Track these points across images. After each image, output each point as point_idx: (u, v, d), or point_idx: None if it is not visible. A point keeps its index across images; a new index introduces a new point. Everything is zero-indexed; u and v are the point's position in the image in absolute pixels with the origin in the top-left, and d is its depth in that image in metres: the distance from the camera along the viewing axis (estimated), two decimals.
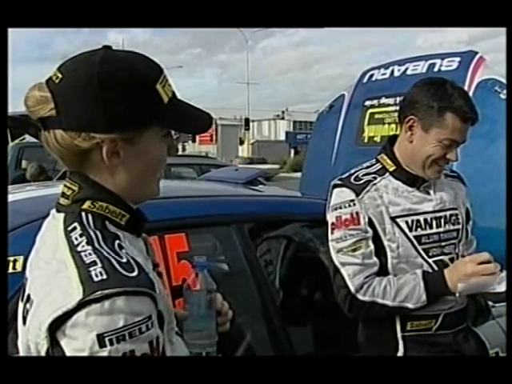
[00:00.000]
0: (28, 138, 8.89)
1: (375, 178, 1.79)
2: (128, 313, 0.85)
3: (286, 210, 2.27)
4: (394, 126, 3.44)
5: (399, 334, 1.77)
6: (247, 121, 39.06)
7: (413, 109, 1.75)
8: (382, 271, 1.75)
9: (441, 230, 1.80)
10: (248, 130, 40.59)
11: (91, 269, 0.86)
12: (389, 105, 3.58)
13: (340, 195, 1.78)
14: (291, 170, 29.97)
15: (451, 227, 1.83)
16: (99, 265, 0.87)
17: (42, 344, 0.87)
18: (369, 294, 1.71)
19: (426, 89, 1.75)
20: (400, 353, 1.76)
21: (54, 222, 0.98)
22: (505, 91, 3.10)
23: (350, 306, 1.74)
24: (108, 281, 0.85)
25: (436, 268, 1.77)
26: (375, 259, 1.74)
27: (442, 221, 1.81)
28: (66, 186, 1.00)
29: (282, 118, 62.23)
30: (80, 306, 0.83)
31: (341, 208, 1.75)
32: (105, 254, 0.89)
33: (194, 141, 50.12)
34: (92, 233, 0.93)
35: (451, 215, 1.84)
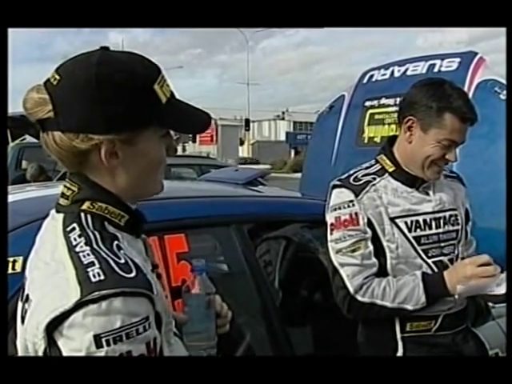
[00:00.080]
0: (28, 139, 8.89)
1: (374, 179, 1.79)
2: (125, 313, 0.85)
3: (286, 211, 2.27)
4: (394, 126, 3.44)
5: (398, 335, 1.76)
6: (247, 121, 39.07)
7: (412, 109, 1.75)
8: (381, 272, 1.74)
9: (440, 230, 1.80)
10: (248, 130, 40.61)
11: (89, 269, 0.87)
12: (389, 105, 3.58)
13: (339, 196, 1.77)
14: (291, 170, 29.99)
15: (450, 228, 1.83)
16: (97, 265, 0.87)
17: (39, 344, 0.87)
18: (368, 295, 1.71)
19: (424, 89, 1.75)
20: (399, 353, 1.76)
21: (54, 222, 0.98)
22: (505, 92, 3.10)
23: (348, 307, 1.74)
24: (105, 281, 0.85)
25: (435, 268, 1.77)
26: (374, 260, 1.74)
27: (442, 221, 1.81)
28: (65, 186, 1.00)
29: (283, 119, 62.24)
30: (77, 306, 0.84)
31: (340, 209, 1.75)
32: (103, 254, 0.89)
33: (194, 141, 50.09)
34: (91, 233, 0.93)
35: (450, 216, 1.84)
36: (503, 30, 1.69)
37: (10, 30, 1.24)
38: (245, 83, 47.41)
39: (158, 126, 0.99)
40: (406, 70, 3.59)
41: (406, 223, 1.76)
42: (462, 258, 1.85)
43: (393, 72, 3.68)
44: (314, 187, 2.94)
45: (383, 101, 3.65)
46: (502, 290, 1.69)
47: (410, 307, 1.71)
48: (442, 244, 1.80)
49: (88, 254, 0.89)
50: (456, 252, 1.84)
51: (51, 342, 0.86)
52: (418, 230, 1.77)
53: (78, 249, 0.90)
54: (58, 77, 0.94)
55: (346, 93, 3.97)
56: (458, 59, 3.40)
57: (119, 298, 0.85)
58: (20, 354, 0.96)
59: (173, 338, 1.05)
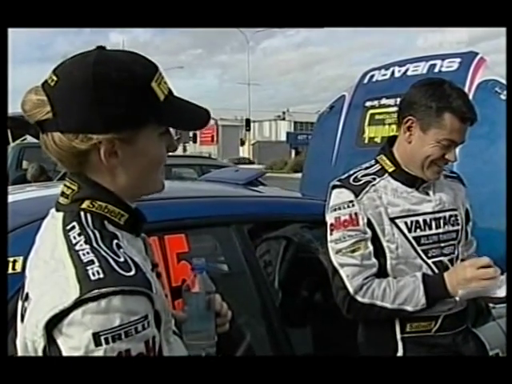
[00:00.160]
0: (29, 139, 8.88)
1: (374, 179, 1.79)
2: (124, 312, 0.85)
3: (286, 211, 2.27)
4: (394, 126, 3.44)
5: (398, 336, 1.76)
6: (248, 121, 39.10)
7: (411, 109, 1.75)
8: (381, 272, 1.74)
9: (440, 230, 1.80)
10: (249, 130, 40.65)
11: (88, 268, 0.87)
12: (389, 105, 3.58)
13: (339, 196, 1.77)
14: (292, 170, 30.00)
15: (450, 228, 1.83)
16: (96, 264, 0.87)
17: (38, 342, 0.88)
18: (368, 295, 1.71)
19: (424, 89, 1.75)
20: (399, 354, 1.76)
21: (53, 221, 0.98)
22: (505, 92, 3.10)
23: (348, 307, 1.74)
24: (105, 280, 0.85)
25: (435, 269, 1.77)
26: (374, 260, 1.74)
27: (442, 222, 1.81)
28: (65, 185, 1.01)
29: (283, 119, 62.27)
30: (76, 304, 0.84)
31: (340, 209, 1.75)
32: (102, 253, 0.90)
33: (194, 141, 50.11)
34: (90, 232, 0.93)
35: (451, 216, 1.84)
36: (503, 30, 1.69)
37: (10, 30, 1.24)
38: (245, 83, 47.51)
39: (157, 123, 0.99)
40: (407, 70, 3.59)
41: (405, 223, 1.76)
42: (463, 260, 1.85)
43: (393, 72, 3.68)
44: (314, 187, 2.94)
45: (384, 101, 3.65)
46: (502, 292, 1.69)
47: (410, 308, 1.71)
48: (442, 244, 1.80)
49: (88, 253, 0.89)
50: (456, 252, 1.84)
51: (50, 340, 0.86)
52: (418, 230, 1.77)
53: (77, 247, 0.90)
54: (55, 78, 0.95)
55: (347, 93, 3.97)
56: (458, 59, 3.40)
57: (118, 297, 0.85)
58: (19, 352, 0.96)
59: (172, 336, 1.05)
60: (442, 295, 1.72)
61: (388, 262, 1.75)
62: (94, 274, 0.86)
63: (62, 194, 1.01)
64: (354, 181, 1.78)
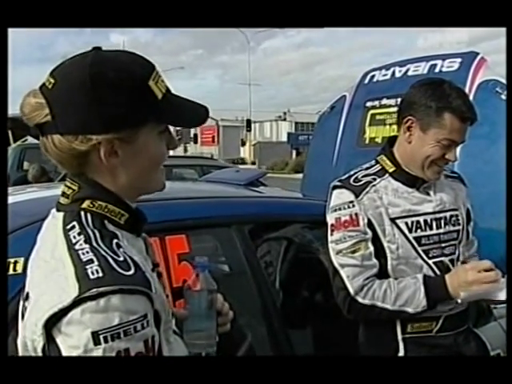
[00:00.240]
0: (30, 140, 8.88)
1: (375, 180, 1.79)
2: (123, 311, 0.85)
3: (287, 212, 2.27)
4: (395, 127, 3.41)
5: (400, 336, 1.76)
6: (249, 122, 39.10)
7: (411, 109, 1.75)
8: (382, 273, 1.74)
9: (441, 231, 1.80)
10: (250, 131, 40.65)
11: (88, 267, 0.87)
12: (390, 106, 3.57)
13: (339, 196, 1.77)
14: (293, 171, 30.00)
15: (451, 228, 1.82)
16: (96, 263, 0.88)
17: (38, 341, 0.88)
18: (369, 297, 1.70)
19: (423, 89, 1.75)
20: (400, 354, 1.76)
21: (54, 221, 0.99)
22: (506, 92, 3.10)
23: (349, 308, 1.74)
24: (104, 279, 0.86)
25: (436, 269, 1.77)
26: (375, 261, 1.74)
27: (442, 222, 1.81)
28: (66, 185, 1.01)
29: (284, 119, 62.25)
30: (75, 303, 0.84)
31: (340, 209, 1.75)
32: (102, 252, 0.90)
33: (195, 142, 50.12)
34: (90, 231, 0.94)
35: (451, 216, 1.83)
36: (504, 30, 1.69)
37: (10, 30, 1.25)
38: (246, 84, 47.53)
39: (156, 122, 0.99)
40: (407, 70, 3.59)
41: (406, 224, 1.75)
42: (463, 262, 1.85)
43: (394, 72, 3.67)
44: (315, 188, 2.93)
45: (384, 101, 3.65)
46: (503, 296, 1.69)
47: (410, 310, 1.71)
48: (443, 244, 1.80)
49: (87, 252, 0.90)
50: (457, 252, 1.83)
51: (50, 338, 0.87)
52: (419, 230, 1.77)
53: (77, 246, 0.91)
54: (52, 80, 0.95)
55: (348, 93, 3.96)
56: (459, 59, 3.39)
57: (117, 296, 0.85)
58: (20, 352, 0.96)
59: (172, 336, 1.06)
60: (443, 297, 1.72)
61: (389, 263, 1.75)
62: (93, 273, 0.86)
63: (63, 194, 1.01)
64: (354, 181, 1.78)
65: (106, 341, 0.84)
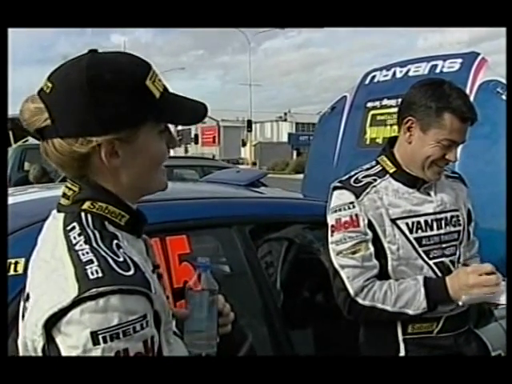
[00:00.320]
0: (31, 140, 8.87)
1: (375, 180, 1.78)
2: (122, 311, 0.86)
3: (288, 212, 2.27)
4: (395, 127, 3.39)
5: (400, 337, 1.76)
6: (250, 122, 39.09)
7: (411, 110, 1.75)
8: (383, 273, 1.74)
9: (441, 231, 1.80)
10: (250, 131, 40.63)
11: (87, 267, 0.87)
12: (391, 106, 3.56)
13: (340, 197, 1.77)
14: (293, 171, 30.01)
15: (452, 229, 1.82)
16: (95, 263, 0.88)
17: (38, 341, 0.88)
18: (369, 298, 1.70)
19: (423, 89, 1.75)
20: (401, 355, 1.76)
21: (55, 221, 0.99)
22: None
23: (349, 309, 1.74)
24: (103, 279, 0.86)
25: (437, 270, 1.77)
26: (375, 262, 1.73)
27: (443, 222, 1.80)
28: (67, 186, 1.02)
29: (285, 120, 62.30)
30: (75, 303, 0.84)
31: (340, 210, 1.75)
32: (102, 252, 0.90)
33: (196, 142, 50.17)
34: (90, 232, 0.94)
35: (452, 217, 1.83)
36: (504, 30, 1.69)
37: (10, 30, 1.25)
38: (247, 84, 47.51)
39: (155, 121, 1.00)
40: (408, 70, 3.58)
41: (407, 224, 1.75)
42: (465, 264, 1.84)
43: (395, 73, 3.67)
44: (315, 188, 2.93)
45: (385, 102, 3.64)
46: (503, 299, 1.69)
47: (410, 312, 1.71)
48: (444, 245, 1.80)
49: (87, 252, 0.90)
50: (458, 253, 1.83)
51: (49, 338, 0.87)
52: (420, 231, 1.76)
53: (77, 247, 0.91)
54: (50, 85, 0.96)
55: (348, 94, 3.96)
56: (459, 60, 3.38)
57: (117, 296, 0.86)
58: (20, 352, 0.96)
59: (172, 337, 1.06)
60: (444, 299, 1.71)
61: (389, 263, 1.74)
62: (92, 273, 0.87)
63: (64, 195, 1.01)
64: (354, 182, 1.78)
65: (105, 341, 0.84)
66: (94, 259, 0.89)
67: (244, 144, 45.47)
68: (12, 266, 1.36)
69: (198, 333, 1.17)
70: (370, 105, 3.74)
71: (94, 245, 0.92)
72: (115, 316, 0.85)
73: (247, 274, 1.91)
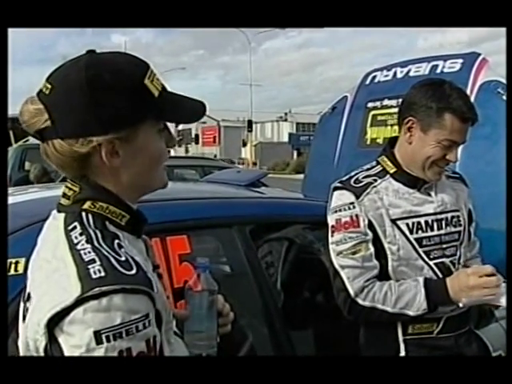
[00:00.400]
0: (31, 140, 8.84)
1: (376, 181, 1.78)
2: (125, 310, 0.86)
3: (288, 212, 2.27)
4: (396, 127, 3.38)
5: (400, 338, 1.76)
6: (250, 122, 39.07)
7: (411, 110, 1.75)
8: (383, 274, 1.74)
9: (442, 232, 1.79)
10: (251, 131, 40.61)
11: (90, 266, 0.88)
12: (391, 106, 3.56)
13: (340, 198, 1.77)
14: (294, 171, 30.03)
15: (453, 229, 1.82)
16: (98, 262, 0.88)
17: (40, 340, 0.88)
18: (369, 299, 1.70)
19: (424, 90, 1.75)
20: (401, 356, 1.76)
21: (55, 222, 0.99)
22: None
23: (349, 310, 1.73)
24: (106, 278, 0.86)
25: (437, 270, 1.77)
26: (375, 262, 1.73)
27: (444, 223, 1.80)
28: (67, 186, 1.02)
29: (285, 120, 62.33)
30: (78, 302, 0.85)
31: (340, 211, 1.75)
32: (104, 252, 0.90)
33: (197, 143, 50.18)
34: (92, 232, 0.94)
35: (453, 217, 1.83)
36: (504, 30, 1.69)
37: (10, 30, 1.25)
38: (247, 84, 47.47)
39: (154, 119, 1.00)
40: (409, 71, 3.58)
41: (407, 225, 1.75)
42: (465, 266, 1.84)
43: (395, 73, 3.67)
44: (316, 188, 2.93)
45: (386, 102, 3.64)
46: (503, 301, 1.68)
47: (411, 313, 1.71)
48: (444, 245, 1.80)
49: (89, 252, 0.90)
50: (458, 253, 1.83)
51: (52, 338, 0.87)
52: (420, 231, 1.76)
53: (79, 246, 0.91)
54: (49, 86, 0.96)
55: (349, 94, 3.95)
56: (460, 60, 3.38)
57: (119, 295, 0.86)
58: (21, 352, 0.96)
59: (173, 337, 1.06)
60: (444, 301, 1.71)
61: (389, 264, 1.74)
62: (95, 273, 0.87)
63: (64, 195, 1.02)
64: (355, 182, 1.78)
65: (108, 340, 0.85)
66: (97, 258, 0.89)
67: (244, 144, 45.46)
68: (12, 266, 1.36)
69: (198, 333, 1.18)
70: (370, 105, 3.74)
71: (96, 244, 0.92)
72: (118, 315, 0.85)
73: (248, 274, 1.91)
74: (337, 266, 1.74)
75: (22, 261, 1.34)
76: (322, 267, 2.09)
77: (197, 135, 50.29)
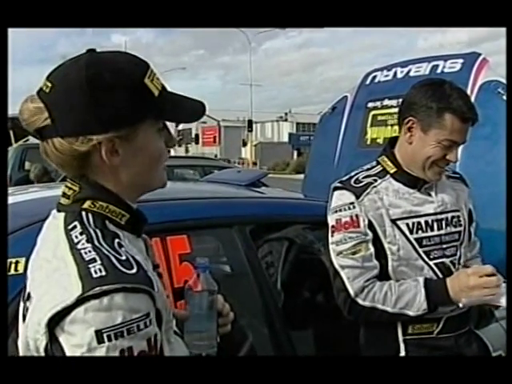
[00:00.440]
0: (31, 140, 8.85)
1: (376, 181, 1.78)
2: (126, 309, 0.86)
3: (288, 212, 2.27)
4: (396, 127, 3.38)
5: (400, 338, 1.76)
6: (250, 122, 39.08)
7: (411, 110, 1.75)
8: (383, 274, 1.74)
9: (442, 232, 1.79)
10: (251, 131, 40.61)
11: (90, 266, 0.88)
12: (392, 106, 3.56)
13: (340, 198, 1.77)
14: (294, 171, 30.03)
15: (453, 229, 1.82)
16: (98, 262, 0.88)
17: (40, 340, 0.88)
18: (369, 299, 1.70)
19: (424, 90, 1.75)
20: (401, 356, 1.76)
21: (55, 221, 0.99)
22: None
23: (349, 310, 1.73)
24: (107, 277, 0.86)
25: (437, 270, 1.77)
26: (375, 262, 1.73)
27: (444, 223, 1.80)
28: (66, 186, 1.02)
29: (285, 120, 62.31)
30: (79, 301, 0.85)
31: (341, 211, 1.75)
32: (104, 251, 0.90)
33: (197, 142, 50.18)
34: (92, 231, 0.94)
35: (453, 217, 1.83)
36: (504, 30, 1.69)
37: (10, 30, 1.25)
38: (248, 84, 47.45)
39: (154, 119, 1.00)
40: (409, 71, 3.58)
41: (407, 225, 1.75)
42: (465, 266, 1.84)
43: (395, 73, 3.66)
44: (316, 188, 2.93)
45: (386, 102, 3.63)
46: (503, 301, 1.68)
47: (411, 313, 1.71)
48: (444, 246, 1.80)
49: (89, 251, 0.90)
50: (458, 254, 1.83)
51: (52, 338, 0.87)
52: (420, 231, 1.76)
53: (79, 246, 0.91)
54: (49, 84, 0.96)
55: (349, 94, 3.95)
56: (461, 60, 3.38)
57: (120, 294, 0.86)
58: (21, 352, 0.96)
59: (173, 336, 1.06)
60: (444, 301, 1.71)
61: (389, 264, 1.74)
62: (95, 272, 0.87)
63: (64, 194, 1.02)
64: (355, 182, 1.78)
65: (109, 339, 0.85)
66: (97, 258, 0.89)
67: (245, 144, 45.46)
68: (13, 266, 1.36)
69: (198, 333, 1.18)
70: (370, 105, 3.74)
71: (96, 243, 0.92)
72: (119, 314, 0.85)
73: (248, 274, 1.91)
74: (337, 266, 1.74)
75: (22, 260, 1.34)
76: (322, 267, 2.09)
77: (197, 135, 50.31)
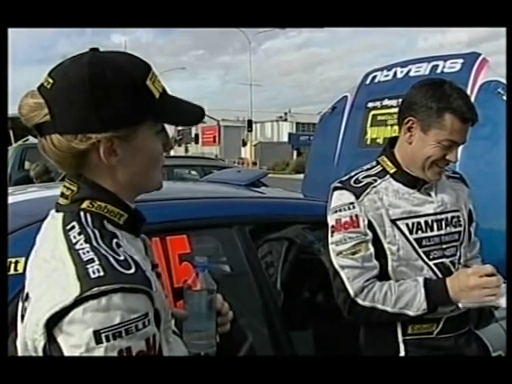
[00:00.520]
0: (31, 139, 8.89)
1: (375, 181, 1.78)
2: (125, 309, 0.86)
3: (288, 212, 2.27)
4: (396, 127, 3.38)
5: (400, 338, 1.76)
6: (250, 122, 39.06)
7: (411, 110, 1.75)
8: (383, 274, 1.74)
9: (442, 232, 1.79)
10: (251, 131, 40.60)
11: (89, 266, 0.88)
12: (391, 106, 3.56)
13: (340, 198, 1.77)
14: (294, 171, 30.03)
15: (453, 229, 1.82)
16: (97, 262, 0.88)
17: (38, 340, 0.88)
18: (369, 299, 1.70)
19: (424, 90, 1.75)
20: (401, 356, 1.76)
21: (53, 221, 0.99)
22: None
23: (349, 310, 1.73)
24: (105, 277, 0.86)
25: (437, 270, 1.77)
26: (375, 262, 1.73)
27: (444, 223, 1.80)
28: (65, 186, 1.02)
29: (285, 120, 62.29)
30: (77, 302, 0.85)
31: (340, 211, 1.75)
32: (102, 251, 0.90)
33: (196, 142, 50.18)
34: (90, 231, 0.94)
35: (453, 217, 1.83)
36: (504, 30, 1.69)
37: (10, 30, 1.25)
38: (247, 84, 47.43)
39: (154, 121, 1.01)
40: (409, 71, 3.58)
41: (407, 225, 1.75)
42: (466, 266, 1.84)
43: (395, 73, 3.66)
44: (316, 188, 2.93)
45: (386, 102, 3.64)
46: (503, 302, 1.68)
47: (411, 313, 1.70)
48: (444, 246, 1.79)
49: (88, 251, 0.90)
50: (458, 254, 1.83)
51: (51, 338, 0.87)
52: (420, 231, 1.76)
53: (77, 246, 0.91)
54: (51, 80, 0.96)
55: (349, 94, 3.95)
56: (461, 60, 3.38)
57: (119, 294, 0.86)
58: (20, 352, 0.96)
59: (172, 336, 1.06)
60: (444, 301, 1.71)
61: (389, 264, 1.74)
62: (94, 272, 0.87)
63: (62, 194, 1.02)
64: (354, 182, 1.78)
65: (107, 339, 0.85)
66: (95, 258, 0.89)
67: (244, 144, 45.44)
68: (12, 266, 1.36)
69: (197, 332, 1.18)
70: (370, 105, 3.74)
71: (95, 244, 0.92)
72: (117, 314, 0.85)
73: (247, 274, 1.91)
74: (337, 266, 1.74)
75: (22, 260, 1.34)
76: (322, 267, 2.09)
77: (197, 135, 50.30)
